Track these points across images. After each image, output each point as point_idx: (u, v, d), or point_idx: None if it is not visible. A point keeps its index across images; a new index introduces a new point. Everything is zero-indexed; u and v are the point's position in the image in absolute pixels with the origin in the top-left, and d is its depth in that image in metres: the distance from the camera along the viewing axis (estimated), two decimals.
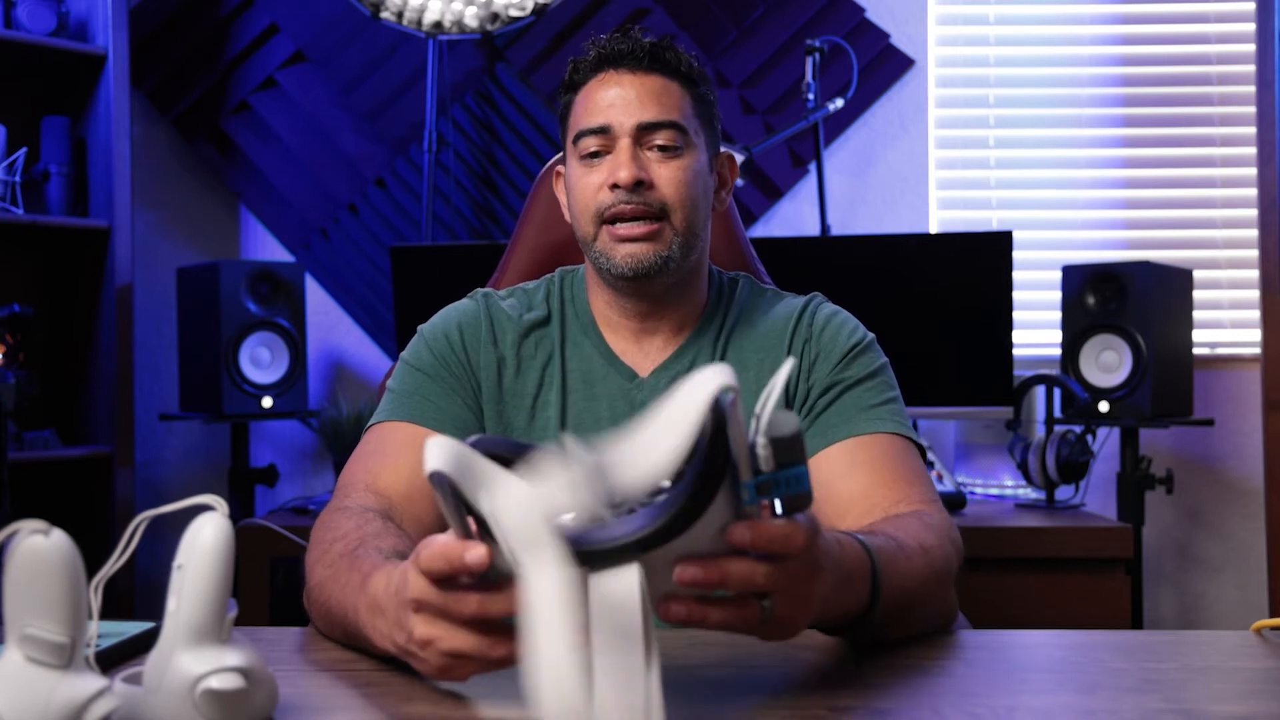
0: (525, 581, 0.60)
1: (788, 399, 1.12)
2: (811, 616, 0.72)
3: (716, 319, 1.17)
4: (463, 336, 1.14)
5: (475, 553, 0.63)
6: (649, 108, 1.09)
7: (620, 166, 1.07)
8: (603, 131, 1.09)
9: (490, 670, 0.69)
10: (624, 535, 0.61)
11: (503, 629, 0.67)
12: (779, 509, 0.65)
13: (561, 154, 1.20)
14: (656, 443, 0.63)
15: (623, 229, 1.08)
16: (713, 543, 0.65)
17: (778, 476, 0.64)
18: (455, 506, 0.64)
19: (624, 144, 1.08)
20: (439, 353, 1.13)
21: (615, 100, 1.09)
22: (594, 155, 1.10)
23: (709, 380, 0.62)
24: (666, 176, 1.09)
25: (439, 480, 0.63)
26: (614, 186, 1.08)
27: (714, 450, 0.61)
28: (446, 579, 0.66)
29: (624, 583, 0.61)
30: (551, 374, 1.13)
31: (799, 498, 0.65)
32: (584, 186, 1.11)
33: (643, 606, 0.60)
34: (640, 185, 1.07)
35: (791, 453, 0.64)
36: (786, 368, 0.67)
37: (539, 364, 1.14)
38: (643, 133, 1.09)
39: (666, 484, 0.66)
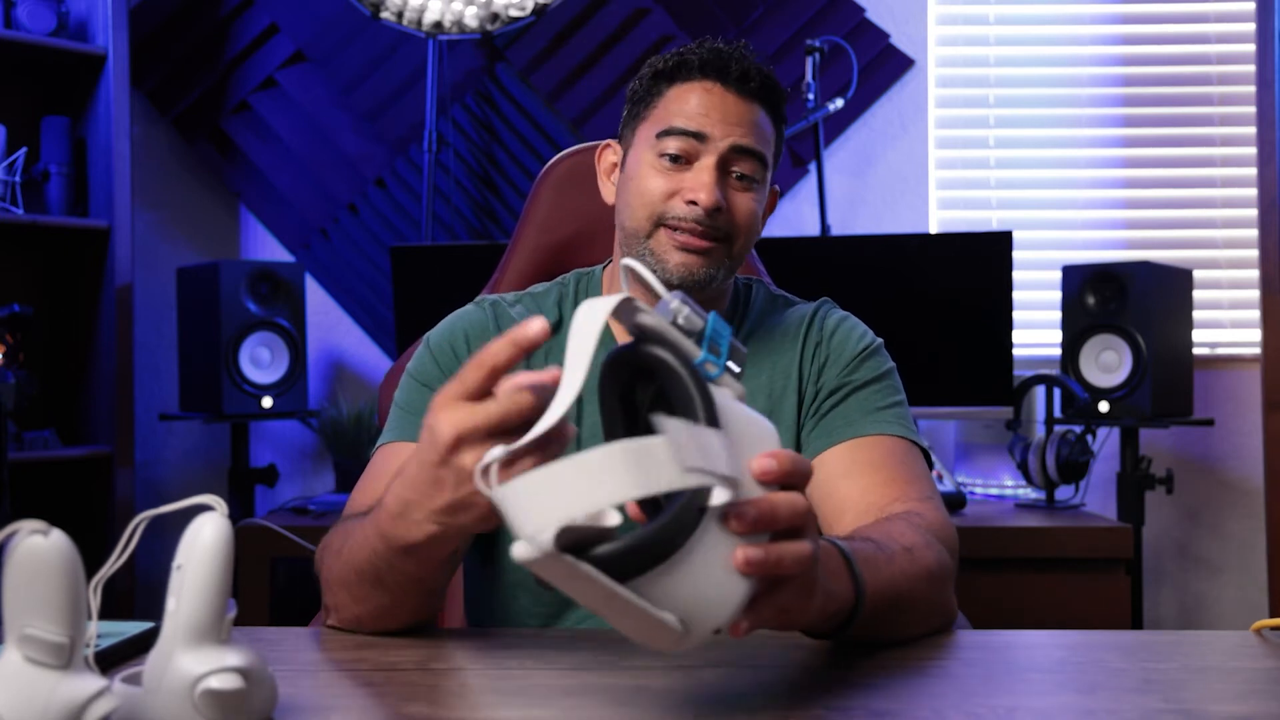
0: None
1: (797, 401, 1.13)
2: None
3: (733, 325, 1.17)
4: (469, 347, 1.12)
5: (538, 324, 0.68)
6: (748, 134, 1.08)
7: (703, 188, 1.06)
8: (698, 138, 1.08)
9: (516, 453, 0.69)
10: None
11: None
12: (735, 368, 0.67)
13: (621, 134, 1.17)
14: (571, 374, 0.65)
15: (684, 239, 1.08)
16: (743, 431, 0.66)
17: (712, 332, 0.66)
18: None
19: (709, 162, 1.07)
20: (446, 366, 1.11)
21: (715, 112, 1.08)
22: (674, 159, 1.09)
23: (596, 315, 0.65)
24: (741, 206, 1.09)
25: None
26: (690, 203, 1.07)
27: (680, 357, 0.65)
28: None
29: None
30: None
31: (736, 347, 0.68)
32: (653, 187, 1.09)
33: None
34: (717, 210, 1.07)
35: (699, 306, 0.67)
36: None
37: None
38: (732, 155, 1.08)
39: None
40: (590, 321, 0.65)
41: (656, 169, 1.09)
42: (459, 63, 2.78)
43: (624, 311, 0.66)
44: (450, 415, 0.70)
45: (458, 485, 0.72)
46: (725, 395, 0.66)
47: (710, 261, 1.08)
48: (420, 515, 0.76)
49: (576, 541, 0.61)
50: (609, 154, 1.18)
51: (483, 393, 0.70)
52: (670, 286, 1.09)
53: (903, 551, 0.89)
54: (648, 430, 0.69)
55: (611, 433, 0.70)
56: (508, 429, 0.68)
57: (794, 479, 0.66)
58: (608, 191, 1.18)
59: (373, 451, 1.11)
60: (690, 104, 1.09)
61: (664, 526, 0.61)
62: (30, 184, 2.51)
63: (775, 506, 0.65)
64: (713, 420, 0.63)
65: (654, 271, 1.09)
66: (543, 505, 0.59)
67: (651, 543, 0.61)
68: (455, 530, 0.77)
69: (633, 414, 0.71)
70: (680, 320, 0.66)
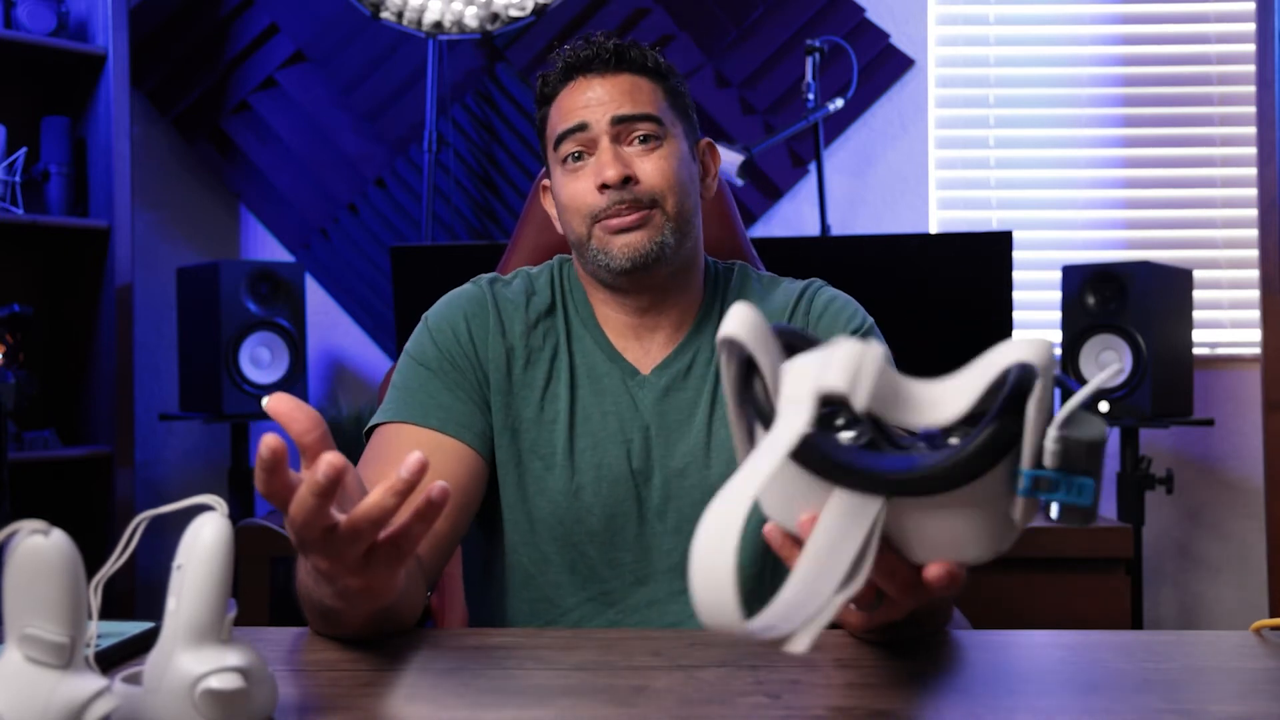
0: (770, 433, 0.60)
1: None
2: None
3: (714, 311, 1.17)
4: (469, 328, 1.12)
5: (269, 441, 0.65)
6: (624, 103, 1.10)
7: (605, 166, 1.08)
8: (581, 129, 1.10)
9: (398, 562, 0.71)
10: (883, 471, 0.61)
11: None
12: (1055, 513, 0.61)
13: (546, 168, 1.20)
14: (959, 388, 0.63)
15: (615, 221, 1.08)
16: (972, 509, 0.62)
17: (1061, 478, 0.60)
18: (738, 376, 0.65)
19: (604, 144, 1.09)
20: (444, 346, 1.12)
21: (590, 101, 1.10)
22: (577, 159, 1.11)
23: (1026, 347, 0.62)
24: (651, 168, 1.09)
25: (730, 346, 0.65)
26: (603, 187, 1.08)
27: (1005, 419, 0.60)
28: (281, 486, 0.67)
29: (862, 510, 0.61)
30: (559, 367, 1.13)
31: (1080, 510, 0.61)
32: (572, 192, 1.11)
33: (865, 540, 0.61)
34: (628, 181, 1.08)
35: (1085, 461, 0.60)
36: (1110, 370, 0.67)
37: (547, 355, 1.14)
38: (620, 127, 1.09)
39: (954, 441, 0.65)
40: (1007, 355, 0.64)
41: (568, 178, 1.12)
42: (459, 63, 2.78)
43: (1031, 375, 0.62)
44: (290, 519, 0.69)
45: (323, 578, 0.73)
46: (995, 485, 0.62)
47: (650, 232, 1.09)
48: (326, 588, 0.77)
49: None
50: (547, 192, 1.20)
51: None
52: (623, 273, 1.10)
53: None
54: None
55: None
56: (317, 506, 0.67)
57: (935, 592, 0.66)
58: (558, 225, 1.19)
59: (368, 431, 1.11)
60: (566, 106, 1.12)
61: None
62: (30, 184, 2.51)
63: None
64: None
65: (604, 266, 1.10)
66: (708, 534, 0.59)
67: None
68: (355, 608, 0.78)
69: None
70: (1049, 440, 0.60)
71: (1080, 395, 0.62)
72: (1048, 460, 0.60)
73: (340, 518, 0.68)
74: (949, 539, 0.64)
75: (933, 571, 0.64)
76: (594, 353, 1.14)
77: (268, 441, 0.65)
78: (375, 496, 0.67)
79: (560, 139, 1.11)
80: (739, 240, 1.44)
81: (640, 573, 1.10)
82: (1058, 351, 2.43)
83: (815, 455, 0.61)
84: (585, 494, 1.10)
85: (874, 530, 0.61)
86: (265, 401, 0.67)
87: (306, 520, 0.67)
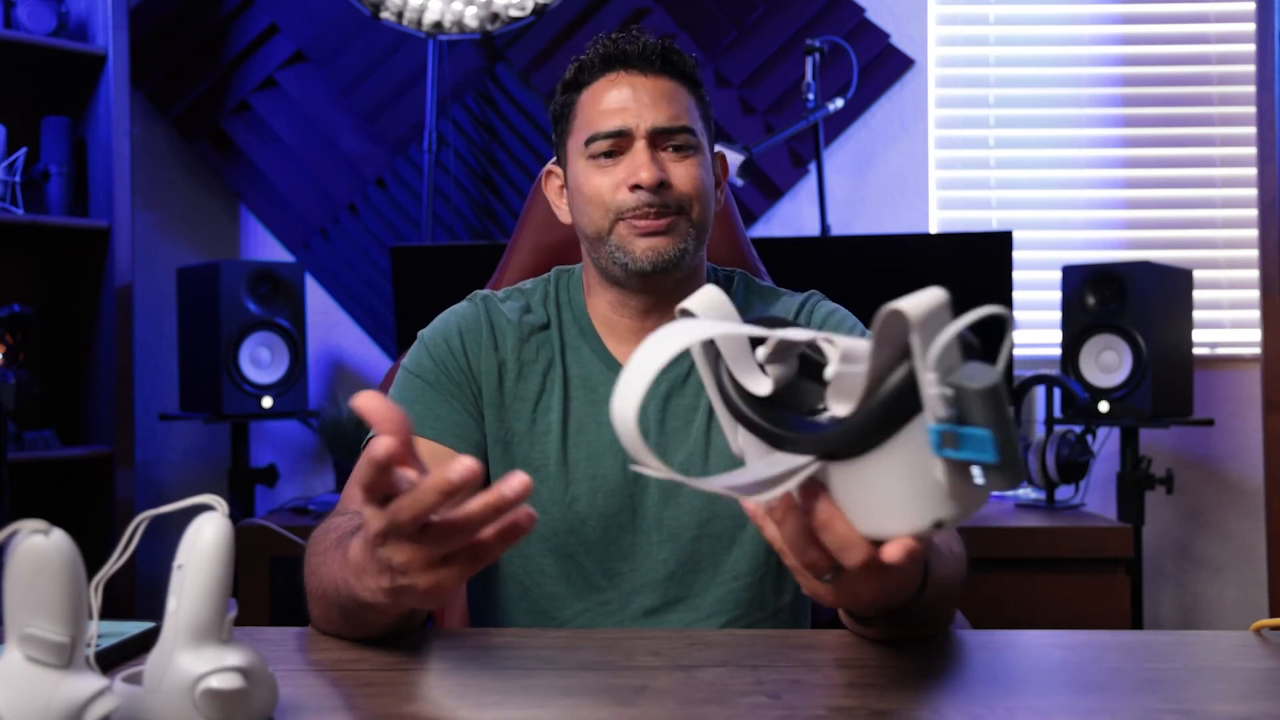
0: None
1: None
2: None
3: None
4: (463, 341, 1.14)
5: (384, 443, 0.64)
6: (663, 111, 1.10)
7: (641, 168, 1.08)
8: (619, 135, 1.10)
9: (471, 569, 0.69)
10: (810, 435, 0.63)
11: (454, 530, 0.67)
12: (978, 477, 0.58)
13: (556, 156, 1.19)
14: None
15: (643, 223, 1.09)
16: (898, 475, 0.60)
17: (961, 431, 0.56)
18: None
19: (640, 145, 1.09)
20: (439, 359, 1.13)
21: (629, 103, 1.10)
22: (606, 155, 1.11)
23: (910, 300, 0.58)
24: (683, 175, 1.10)
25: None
26: (634, 187, 1.08)
27: (905, 382, 0.58)
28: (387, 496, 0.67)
29: (787, 465, 0.63)
30: (553, 379, 1.14)
31: (991, 468, 0.56)
32: (597, 186, 1.11)
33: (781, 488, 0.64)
34: (662, 185, 1.08)
35: (979, 410, 0.56)
36: (983, 310, 0.60)
37: (540, 368, 1.14)
38: (658, 135, 1.10)
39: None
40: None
41: (595, 170, 1.11)
42: (459, 63, 2.78)
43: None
44: (372, 512, 0.68)
45: (382, 573, 0.71)
46: (913, 447, 0.60)
47: (675, 238, 1.10)
48: (370, 584, 0.75)
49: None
50: (553, 178, 1.20)
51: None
52: (641, 274, 1.10)
53: (949, 554, 0.91)
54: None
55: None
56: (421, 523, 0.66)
57: (895, 570, 0.65)
58: (563, 213, 1.19)
59: (364, 444, 1.11)
60: (603, 102, 1.11)
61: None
62: (30, 184, 2.51)
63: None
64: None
65: (621, 264, 1.11)
66: None
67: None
68: (400, 605, 0.76)
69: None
70: (929, 385, 0.57)
71: (950, 331, 0.59)
72: (938, 411, 0.57)
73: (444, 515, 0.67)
74: (882, 506, 0.63)
75: (889, 553, 0.63)
76: (591, 362, 1.15)
77: (387, 445, 0.64)
78: (487, 498, 0.66)
79: (594, 139, 1.10)
80: (739, 241, 1.44)
81: (637, 582, 1.10)
82: (1058, 351, 2.43)
83: (743, 416, 0.65)
84: (580, 504, 1.10)
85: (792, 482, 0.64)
86: (355, 400, 0.67)
87: (418, 515, 0.65)
